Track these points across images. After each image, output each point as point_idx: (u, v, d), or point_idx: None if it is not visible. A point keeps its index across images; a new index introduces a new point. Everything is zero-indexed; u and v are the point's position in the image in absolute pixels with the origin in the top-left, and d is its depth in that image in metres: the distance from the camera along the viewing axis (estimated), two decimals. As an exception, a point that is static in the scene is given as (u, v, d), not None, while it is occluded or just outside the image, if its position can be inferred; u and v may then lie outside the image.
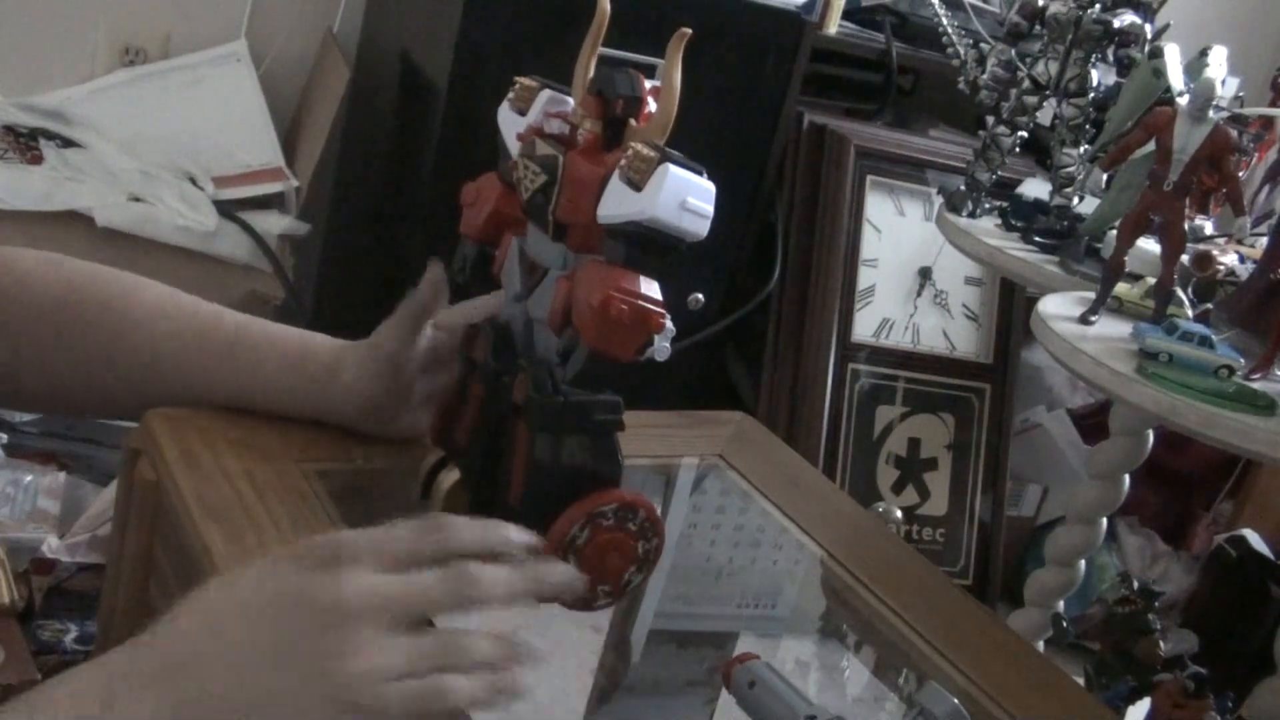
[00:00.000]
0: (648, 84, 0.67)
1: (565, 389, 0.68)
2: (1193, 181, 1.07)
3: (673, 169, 0.63)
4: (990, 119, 1.47)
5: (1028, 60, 1.42)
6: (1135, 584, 1.34)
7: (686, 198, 0.64)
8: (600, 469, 0.69)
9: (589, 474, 0.69)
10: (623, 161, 0.65)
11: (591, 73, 0.69)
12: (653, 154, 0.64)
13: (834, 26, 2.03)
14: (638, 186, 0.64)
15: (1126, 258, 1.12)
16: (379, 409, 0.81)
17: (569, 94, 0.71)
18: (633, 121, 0.67)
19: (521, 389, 0.68)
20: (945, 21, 1.56)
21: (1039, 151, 1.86)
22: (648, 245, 0.65)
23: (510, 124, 0.72)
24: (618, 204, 0.65)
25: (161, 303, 0.83)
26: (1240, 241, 1.34)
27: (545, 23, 1.60)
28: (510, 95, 0.72)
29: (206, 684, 0.54)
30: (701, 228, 0.65)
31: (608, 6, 0.70)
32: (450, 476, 0.72)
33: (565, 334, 0.66)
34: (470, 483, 0.72)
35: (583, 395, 0.68)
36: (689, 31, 0.66)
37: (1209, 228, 1.41)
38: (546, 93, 0.71)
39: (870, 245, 2.01)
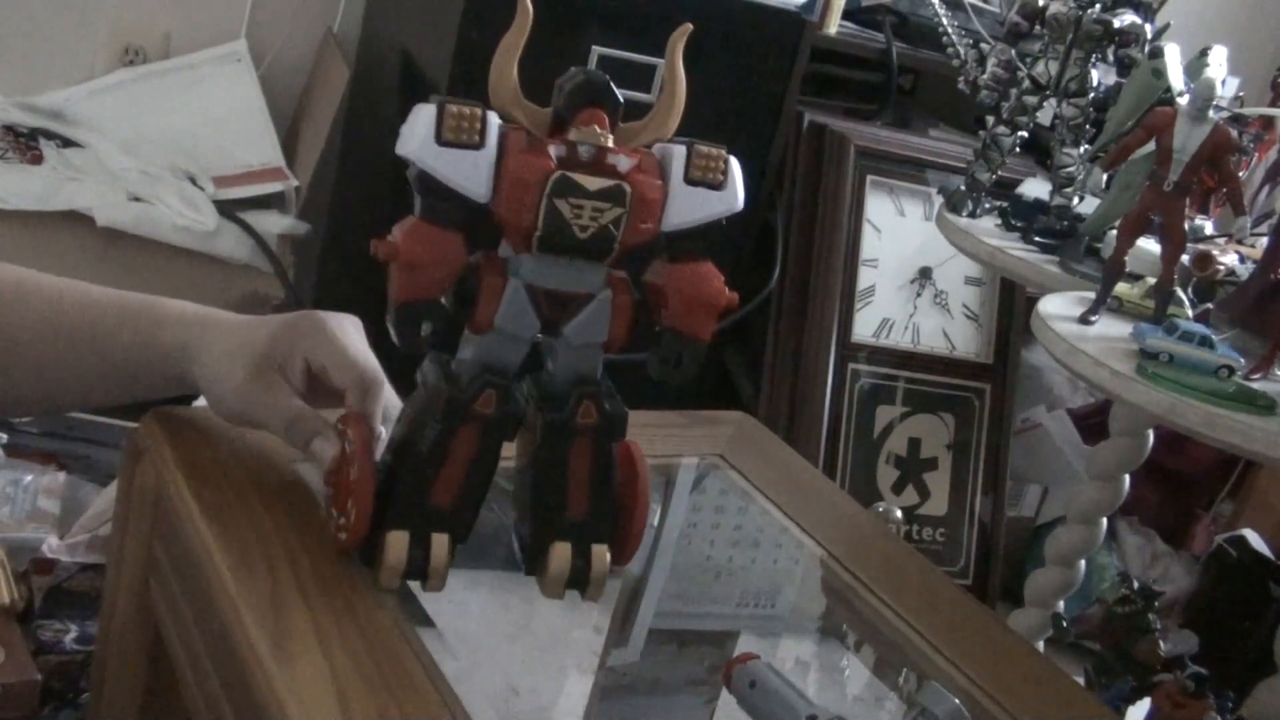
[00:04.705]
0: None
1: (616, 401, 0.70)
2: (1193, 181, 1.07)
3: (734, 159, 0.66)
4: (990, 119, 1.47)
5: (1028, 60, 1.42)
6: (1135, 584, 1.34)
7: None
8: None
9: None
10: (683, 162, 0.66)
11: (513, 78, 0.65)
12: (718, 150, 0.65)
13: (834, 26, 2.03)
14: (716, 186, 0.66)
15: (1126, 258, 1.12)
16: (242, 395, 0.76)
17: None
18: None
19: (589, 413, 0.68)
20: (945, 21, 1.56)
21: (1039, 151, 1.86)
22: (709, 234, 0.67)
23: (455, 163, 0.63)
24: (695, 208, 0.66)
25: (16, 286, 0.80)
26: (1240, 241, 1.34)
27: (545, 23, 1.60)
28: (437, 127, 0.62)
29: None
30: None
31: (530, 6, 0.65)
32: (440, 542, 0.69)
33: (666, 340, 0.68)
34: (462, 537, 0.70)
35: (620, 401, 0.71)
36: (690, 27, 0.66)
37: (1209, 228, 1.41)
38: (493, 116, 0.64)
39: (870, 245, 2.00)
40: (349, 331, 0.78)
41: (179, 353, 0.78)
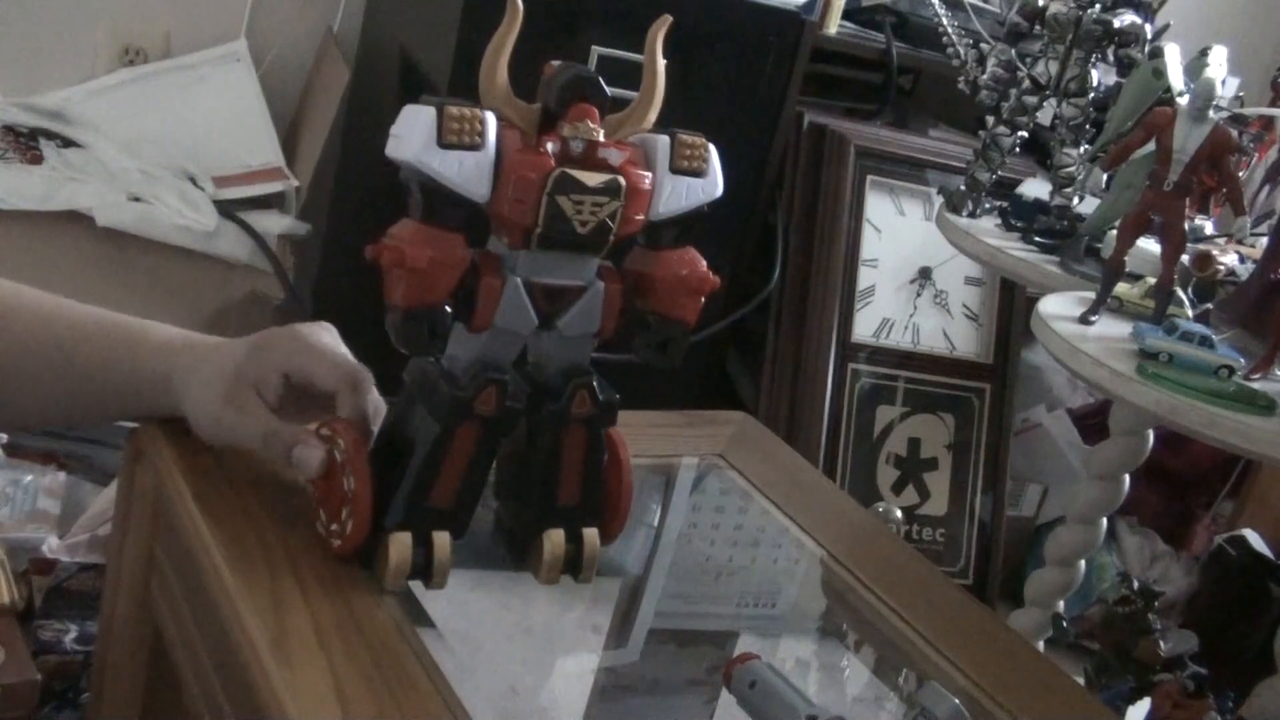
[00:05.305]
0: None
1: (607, 388, 0.70)
2: (1193, 181, 1.07)
3: (712, 146, 0.67)
4: (990, 119, 1.47)
5: (1028, 60, 1.42)
6: (1135, 584, 1.34)
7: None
8: None
9: None
10: (667, 152, 0.66)
11: (504, 76, 0.65)
12: (699, 139, 0.66)
13: (834, 26, 2.03)
14: (699, 174, 0.67)
15: (1126, 258, 1.12)
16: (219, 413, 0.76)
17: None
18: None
19: (584, 403, 0.69)
20: (945, 21, 1.56)
21: (1039, 151, 1.86)
22: (690, 220, 0.68)
23: (457, 165, 0.62)
24: (683, 196, 0.67)
25: (5, 304, 0.80)
26: (1240, 241, 1.34)
27: (545, 23, 1.61)
28: (438, 130, 0.62)
29: None
30: None
31: (520, 5, 0.64)
32: (442, 541, 0.69)
33: (662, 327, 0.69)
34: (460, 533, 0.71)
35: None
36: (669, 19, 0.66)
37: (1209, 228, 1.41)
38: (490, 115, 0.64)
39: (870, 245, 2.00)
40: (324, 338, 0.78)
41: (162, 383, 0.79)
